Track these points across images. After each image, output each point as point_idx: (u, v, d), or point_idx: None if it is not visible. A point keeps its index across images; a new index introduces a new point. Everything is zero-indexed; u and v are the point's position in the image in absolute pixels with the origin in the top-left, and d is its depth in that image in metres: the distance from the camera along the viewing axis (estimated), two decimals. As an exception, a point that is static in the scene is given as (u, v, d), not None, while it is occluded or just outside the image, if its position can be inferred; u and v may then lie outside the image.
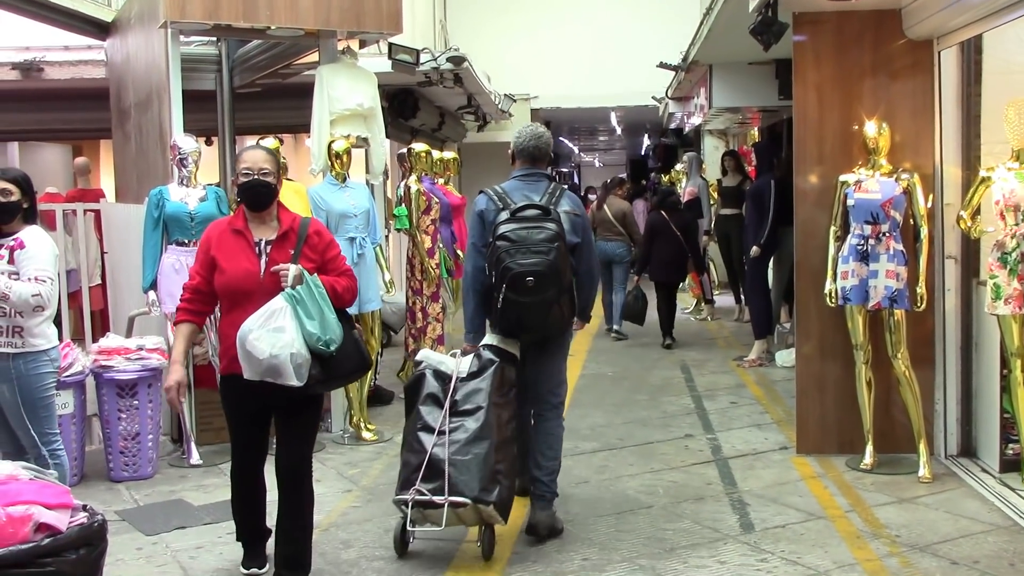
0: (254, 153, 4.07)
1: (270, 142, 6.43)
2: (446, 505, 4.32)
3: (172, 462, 6.25)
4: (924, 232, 5.62)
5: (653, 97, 15.29)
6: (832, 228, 5.81)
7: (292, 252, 3.98)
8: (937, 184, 5.81)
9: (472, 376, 4.57)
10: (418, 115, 11.46)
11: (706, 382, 8.46)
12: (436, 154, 8.67)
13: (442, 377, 4.61)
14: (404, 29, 7.14)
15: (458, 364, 4.64)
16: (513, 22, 17.27)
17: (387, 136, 7.39)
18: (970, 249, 5.78)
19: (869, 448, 5.75)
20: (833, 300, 5.73)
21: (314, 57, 7.33)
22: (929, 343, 5.87)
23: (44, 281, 4.32)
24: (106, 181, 12.13)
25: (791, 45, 6.01)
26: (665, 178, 15.44)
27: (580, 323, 5.09)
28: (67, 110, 10.89)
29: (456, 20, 16.44)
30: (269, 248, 4.00)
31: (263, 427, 4.16)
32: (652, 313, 10.56)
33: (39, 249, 4.37)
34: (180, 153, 6.23)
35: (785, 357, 8.72)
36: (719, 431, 6.77)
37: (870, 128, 5.68)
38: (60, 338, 4.69)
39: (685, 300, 12.47)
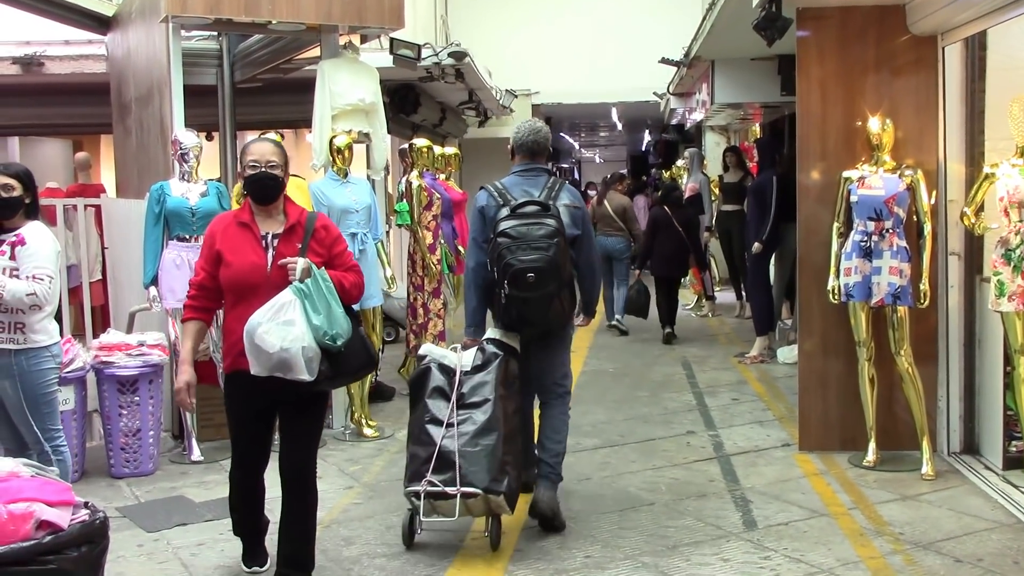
0: (262, 145, 3.99)
1: (272, 137, 6.41)
2: (458, 496, 4.39)
3: (173, 458, 6.24)
4: (927, 228, 5.61)
5: (655, 93, 15.27)
6: (835, 224, 5.80)
7: (299, 246, 3.90)
8: (941, 180, 5.79)
9: (477, 369, 4.64)
10: (419, 111, 11.45)
11: (707, 378, 8.45)
12: (437, 150, 8.65)
13: (447, 371, 4.67)
14: (405, 24, 7.12)
15: (460, 358, 4.71)
16: (513, 17, 17.24)
17: (388, 132, 7.37)
18: (973, 246, 5.76)
19: (872, 445, 5.74)
20: (836, 297, 5.72)
21: (315, 52, 7.31)
22: (932, 340, 5.85)
23: (41, 280, 4.27)
24: (107, 176, 12.12)
25: (794, 41, 6.00)
26: (666, 174, 15.41)
27: (586, 319, 5.15)
28: (68, 105, 10.89)
29: (457, 15, 16.42)
30: (276, 242, 3.92)
31: (269, 426, 4.09)
32: (653, 308, 10.58)
33: (39, 246, 4.34)
34: (181, 148, 6.21)
35: (787, 353, 8.71)
36: (721, 428, 6.76)
37: (873, 124, 5.67)
38: (60, 334, 4.67)
39: (686, 296, 12.46)
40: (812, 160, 6.01)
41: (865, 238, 5.60)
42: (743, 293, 11.49)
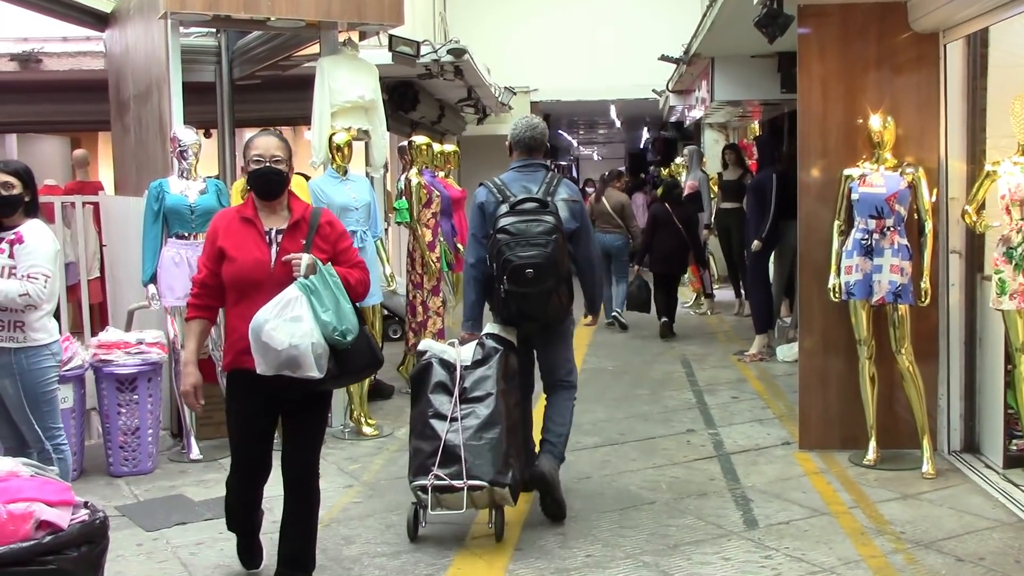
0: (266, 140, 3.91)
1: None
2: (465, 489, 4.44)
3: (172, 457, 6.22)
4: (928, 227, 5.60)
5: (654, 90, 15.25)
6: (836, 222, 5.79)
7: (304, 242, 3.84)
8: (942, 178, 5.78)
9: (478, 364, 4.70)
10: (418, 108, 11.44)
11: (707, 377, 8.44)
12: (436, 147, 8.64)
13: (448, 366, 4.71)
14: (405, 21, 7.11)
15: (460, 353, 4.76)
16: (512, 14, 17.23)
17: (387, 129, 7.35)
18: (975, 244, 5.75)
19: (872, 444, 5.73)
20: (837, 295, 5.71)
21: (314, 49, 7.30)
22: (933, 338, 5.84)
23: (35, 279, 4.23)
24: (105, 173, 12.07)
25: (795, 38, 5.98)
26: (665, 171, 15.41)
27: (593, 318, 5.21)
28: (66, 102, 10.85)
29: (456, 12, 16.39)
30: (280, 237, 3.85)
31: (271, 427, 4.01)
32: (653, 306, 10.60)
33: (37, 245, 4.31)
34: (180, 145, 6.19)
35: (786, 352, 8.70)
36: (721, 426, 6.75)
37: (874, 122, 5.66)
38: (59, 331, 4.65)
39: (685, 294, 12.45)
40: (813, 158, 6.00)
41: (866, 236, 5.59)
42: (742, 291, 11.49)
